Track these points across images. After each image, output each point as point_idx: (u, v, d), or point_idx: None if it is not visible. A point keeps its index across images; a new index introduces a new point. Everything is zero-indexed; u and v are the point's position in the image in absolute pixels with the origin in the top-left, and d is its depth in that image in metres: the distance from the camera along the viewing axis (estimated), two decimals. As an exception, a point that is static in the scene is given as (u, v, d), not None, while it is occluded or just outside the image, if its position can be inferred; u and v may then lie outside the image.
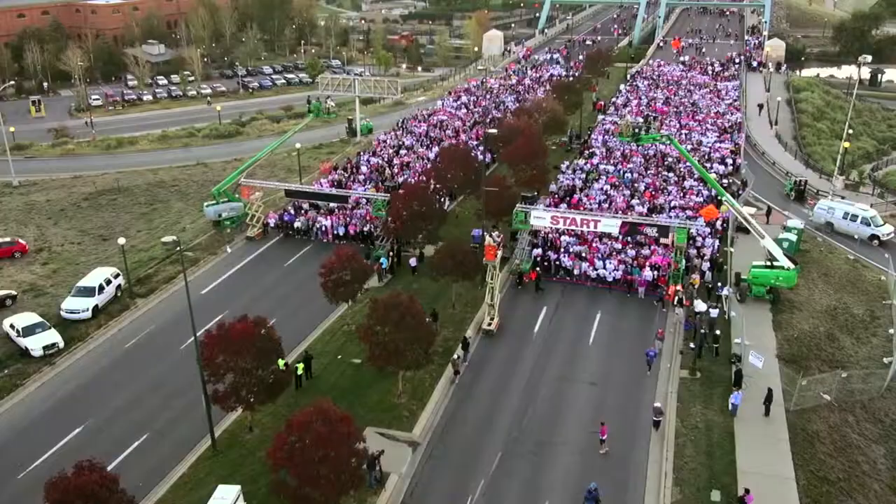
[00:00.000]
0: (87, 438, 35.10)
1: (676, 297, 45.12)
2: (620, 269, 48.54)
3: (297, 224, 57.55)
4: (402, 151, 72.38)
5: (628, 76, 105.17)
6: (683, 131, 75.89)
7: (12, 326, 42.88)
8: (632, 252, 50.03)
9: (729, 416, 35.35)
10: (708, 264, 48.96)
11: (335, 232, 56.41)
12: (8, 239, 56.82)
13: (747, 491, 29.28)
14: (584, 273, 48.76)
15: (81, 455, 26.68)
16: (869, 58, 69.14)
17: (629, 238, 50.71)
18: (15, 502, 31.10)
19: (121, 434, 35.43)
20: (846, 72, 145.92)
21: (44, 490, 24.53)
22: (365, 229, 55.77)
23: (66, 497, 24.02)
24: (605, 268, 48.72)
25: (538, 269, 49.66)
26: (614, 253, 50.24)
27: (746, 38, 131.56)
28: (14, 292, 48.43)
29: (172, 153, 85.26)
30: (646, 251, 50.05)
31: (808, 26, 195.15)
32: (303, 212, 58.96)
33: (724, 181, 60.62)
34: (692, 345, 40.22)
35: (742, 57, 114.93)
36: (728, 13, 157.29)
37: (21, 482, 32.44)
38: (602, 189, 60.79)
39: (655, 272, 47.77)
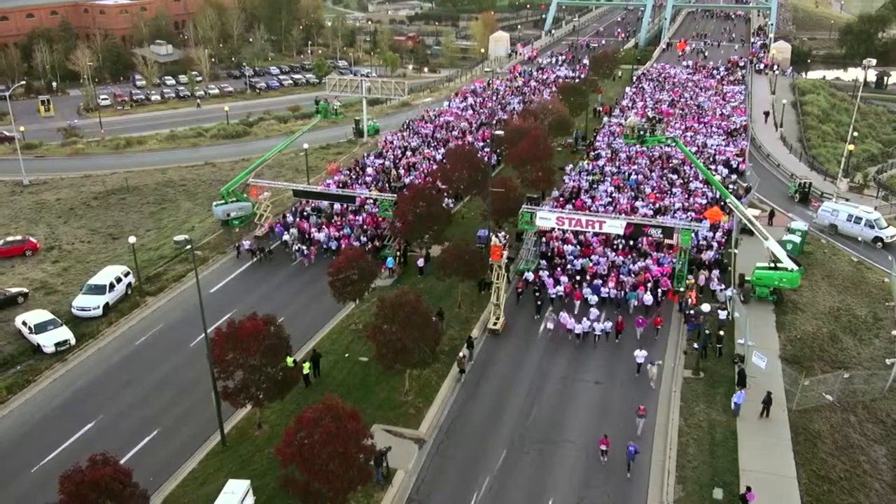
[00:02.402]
0: (99, 434, 35.66)
1: (680, 302, 45.61)
2: (613, 293, 46.02)
3: (285, 237, 55.78)
4: (408, 153, 72.81)
5: (634, 78, 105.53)
6: (688, 133, 76.25)
7: (24, 323, 43.57)
8: (634, 266, 48.63)
9: (732, 416, 35.71)
10: (712, 272, 48.84)
11: (327, 246, 54.30)
12: (19, 237, 57.63)
13: (749, 489, 29.67)
14: (566, 326, 42.82)
15: (93, 450, 27.09)
16: (873, 61, 69.52)
17: (631, 242, 50.87)
18: (28, 496, 31.63)
19: (131, 430, 36.03)
20: (852, 74, 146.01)
21: (58, 483, 24.95)
22: (360, 241, 53.87)
23: (81, 489, 24.49)
24: (597, 294, 45.57)
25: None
26: (614, 271, 48.07)
27: (752, 39, 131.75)
28: (26, 290, 49.17)
29: (181, 153, 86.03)
30: (648, 262, 48.99)
31: (814, 28, 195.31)
32: (298, 220, 57.72)
33: (731, 187, 60.62)
34: (696, 345, 40.57)
35: (745, 60, 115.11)
36: (734, 16, 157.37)
37: (34, 476, 33.06)
38: (607, 191, 61.12)
39: (656, 293, 45.84)
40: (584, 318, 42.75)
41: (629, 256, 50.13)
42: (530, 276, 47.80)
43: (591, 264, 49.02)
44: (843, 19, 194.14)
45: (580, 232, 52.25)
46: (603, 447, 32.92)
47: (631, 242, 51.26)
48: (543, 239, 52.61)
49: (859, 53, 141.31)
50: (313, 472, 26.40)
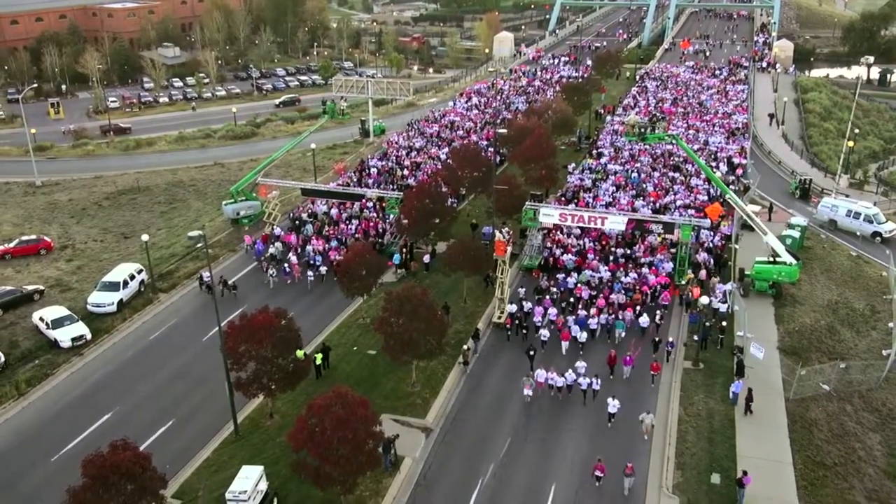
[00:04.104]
0: (116, 425, 36.61)
1: (681, 296, 46.51)
2: (604, 319, 43.42)
3: (270, 250, 53.03)
4: (412, 153, 73.75)
5: (637, 77, 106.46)
6: (690, 131, 77.10)
7: (41, 319, 44.77)
8: (626, 279, 47.18)
9: (730, 405, 36.67)
10: (710, 264, 49.53)
11: (312, 261, 51.75)
12: (34, 237, 58.89)
13: (745, 472, 30.65)
14: (547, 381, 38.06)
15: (110, 440, 27.89)
16: (871, 59, 70.49)
17: (628, 251, 50.84)
18: (48, 483, 32.56)
19: (147, 420, 37.10)
20: (855, 72, 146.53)
21: (81, 466, 25.98)
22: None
23: (103, 473, 25.53)
24: (584, 328, 42.40)
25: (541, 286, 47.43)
26: (604, 290, 46.42)
27: (755, 38, 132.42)
28: (41, 287, 50.36)
29: (190, 154, 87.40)
30: (644, 271, 48.12)
31: (817, 27, 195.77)
32: (285, 233, 55.83)
33: (733, 186, 61.02)
34: (696, 337, 41.52)
35: (745, 57, 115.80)
36: (736, 16, 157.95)
37: (54, 464, 34.17)
38: (608, 190, 61.83)
39: (653, 314, 43.63)
40: (570, 371, 37.84)
41: (620, 270, 48.54)
42: (513, 308, 44.57)
43: (580, 285, 47.06)
44: (847, 17, 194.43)
45: (584, 231, 53.15)
46: (599, 473, 31.54)
47: (627, 251, 51.08)
48: (546, 243, 52.94)
49: (862, 51, 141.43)
50: (324, 457, 27.45)
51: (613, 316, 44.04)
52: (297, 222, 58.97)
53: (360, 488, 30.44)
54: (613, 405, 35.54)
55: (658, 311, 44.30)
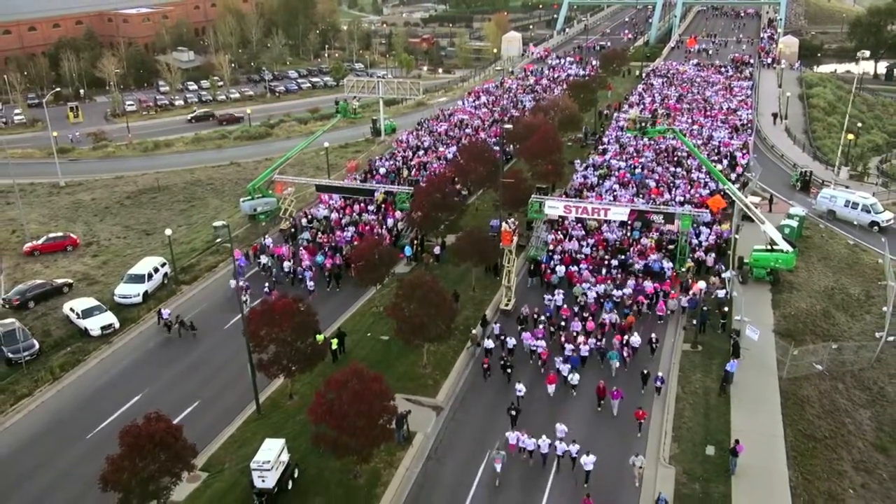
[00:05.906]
0: (145, 406, 38.34)
1: (681, 283, 48.20)
2: (593, 343, 40.87)
3: (262, 259, 52.66)
4: (420, 152, 75.63)
5: (643, 74, 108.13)
6: (695, 127, 78.72)
7: (72, 310, 47.25)
8: (619, 293, 46.19)
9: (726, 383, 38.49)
10: (709, 254, 51.13)
11: (300, 276, 50.84)
12: (61, 234, 61.49)
13: (737, 441, 32.52)
14: (515, 447, 33.71)
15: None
16: (867, 53, 71.77)
17: (622, 257, 50.91)
18: (85, 458, 34.92)
19: (174, 402, 39.11)
20: (862, 67, 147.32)
21: (118, 437, 28.22)
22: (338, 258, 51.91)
23: (139, 441, 27.81)
24: (573, 364, 39.00)
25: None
26: (592, 306, 45.02)
27: (761, 34, 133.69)
28: (70, 281, 52.86)
29: (207, 154, 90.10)
30: (636, 281, 47.50)
31: (826, 22, 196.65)
32: (275, 246, 54.99)
33: (736, 185, 61.88)
34: (695, 321, 43.32)
35: (750, 55, 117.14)
36: (744, 14, 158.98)
37: (89, 442, 36.59)
38: (611, 188, 63.36)
39: (650, 339, 41.33)
40: (544, 437, 33.16)
41: (609, 283, 47.44)
42: (490, 343, 41.76)
43: (566, 306, 45.16)
44: (855, 12, 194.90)
45: (586, 233, 54.82)
46: None
47: (622, 257, 51.08)
48: (550, 244, 53.98)
49: (869, 46, 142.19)
50: (342, 428, 29.53)
51: (605, 340, 41.84)
52: (293, 230, 58.47)
53: (375, 460, 32.52)
54: (588, 462, 31.81)
55: (653, 334, 41.83)
